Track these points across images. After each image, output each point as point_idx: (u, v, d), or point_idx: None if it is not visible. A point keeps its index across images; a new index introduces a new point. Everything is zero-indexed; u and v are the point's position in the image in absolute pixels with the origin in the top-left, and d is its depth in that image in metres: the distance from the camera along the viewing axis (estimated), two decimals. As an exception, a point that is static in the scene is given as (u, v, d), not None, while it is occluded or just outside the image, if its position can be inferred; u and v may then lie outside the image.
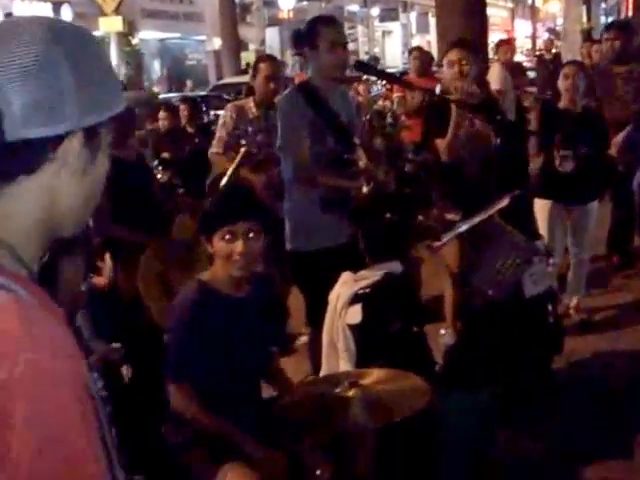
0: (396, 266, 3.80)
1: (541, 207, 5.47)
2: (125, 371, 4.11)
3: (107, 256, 4.22)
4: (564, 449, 4.03)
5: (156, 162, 7.91)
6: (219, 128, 5.52)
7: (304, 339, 5.13)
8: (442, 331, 5.10)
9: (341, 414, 2.39)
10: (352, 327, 3.58)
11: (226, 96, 15.07)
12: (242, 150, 5.14)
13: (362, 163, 4.22)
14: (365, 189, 4.14)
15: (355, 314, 3.56)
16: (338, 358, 3.61)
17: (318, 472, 3.57)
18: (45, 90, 1.13)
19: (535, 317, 4.55)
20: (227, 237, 2.91)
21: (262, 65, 5.50)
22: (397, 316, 3.67)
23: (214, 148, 5.50)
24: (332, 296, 3.68)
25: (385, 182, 4.35)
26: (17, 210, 1.16)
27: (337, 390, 2.47)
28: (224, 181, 4.86)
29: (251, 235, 2.93)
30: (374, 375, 2.70)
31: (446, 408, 3.74)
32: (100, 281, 4.16)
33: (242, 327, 3.03)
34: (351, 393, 2.43)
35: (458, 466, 3.42)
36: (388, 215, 3.88)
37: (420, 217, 4.67)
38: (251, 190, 3.64)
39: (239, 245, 2.91)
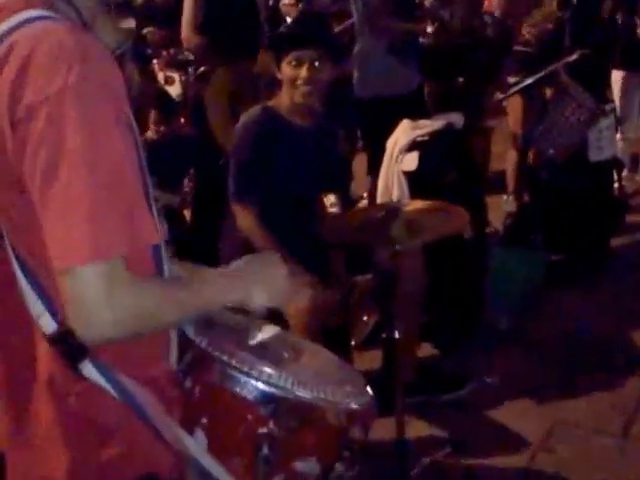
0: (458, 118, 3.78)
1: (618, 78, 5.30)
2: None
3: None
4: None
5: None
6: None
7: (365, 203, 5.17)
8: (505, 197, 5.09)
9: (381, 233, 2.46)
10: (407, 174, 3.60)
11: None
12: None
13: (427, 2, 4.16)
14: (430, 29, 4.09)
15: (411, 161, 3.57)
16: (391, 203, 3.64)
17: (365, 318, 3.69)
18: None
19: (598, 185, 4.47)
20: (293, 63, 2.93)
21: None
22: (453, 168, 3.67)
23: None
24: (390, 142, 3.69)
25: (450, 23, 4.26)
26: None
27: (379, 215, 2.53)
28: None
29: (317, 63, 2.94)
30: (415, 203, 2.76)
31: (500, 262, 3.80)
32: None
33: (301, 155, 3.06)
34: (391, 216, 2.49)
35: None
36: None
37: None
38: (324, 18, 3.62)
39: (303, 71, 2.93)
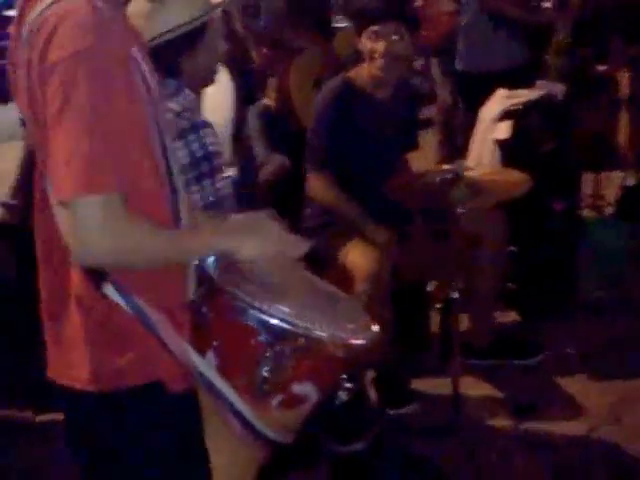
0: (559, 89, 3.78)
1: None
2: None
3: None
4: None
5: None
6: None
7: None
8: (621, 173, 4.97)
9: (445, 194, 2.57)
10: (500, 142, 3.64)
11: None
12: None
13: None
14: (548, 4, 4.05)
15: (503, 129, 3.60)
16: (483, 172, 3.70)
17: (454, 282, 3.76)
18: None
19: None
20: (372, 36, 3.04)
21: None
22: (550, 138, 3.67)
23: None
24: (483, 111, 3.73)
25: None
26: None
27: (442, 176, 2.63)
28: None
29: (395, 37, 3.04)
30: (479, 169, 2.84)
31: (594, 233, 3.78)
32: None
33: (380, 126, 3.19)
34: (452, 180, 2.59)
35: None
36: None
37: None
38: None
39: (381, 45, 3.03)
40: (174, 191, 1.49)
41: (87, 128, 1.30)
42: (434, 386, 3.20)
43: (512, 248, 3.72)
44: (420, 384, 3.26)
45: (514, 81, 4.02)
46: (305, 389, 1.56)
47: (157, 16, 2.30)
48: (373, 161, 3.19)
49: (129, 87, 1.38)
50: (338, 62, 4.27)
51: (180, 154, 2.24)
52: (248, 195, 4.07)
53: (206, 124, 2.29)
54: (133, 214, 1.37)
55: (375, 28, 3.02)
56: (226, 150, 4.34)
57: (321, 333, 1.52)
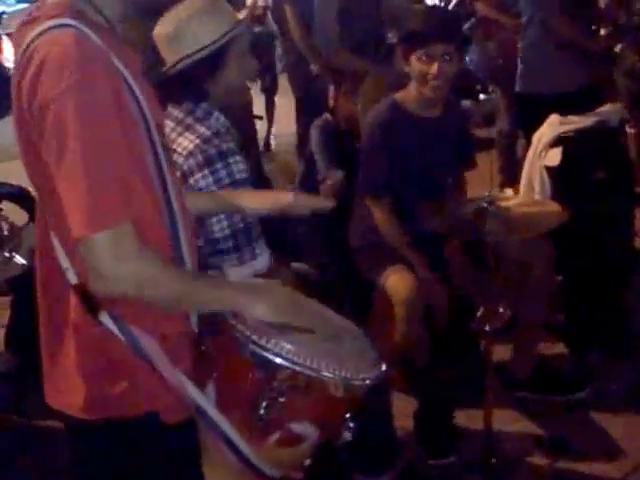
0: (615, 116, 3.66)
1: None
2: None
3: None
4: None
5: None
6: None
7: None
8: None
9: (479, 225, 2.51)
10: (550, 169, 3.55)
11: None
12: None
13: (603, 3, 4.01)
14: (603, 32, 3.95)
15: (554, 156, 3.51)
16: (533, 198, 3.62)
17: (501, 309, 3.68)
18: None
19: None
20: (424, 58, 3.00)
21: None
22: (601, 167, 3.56)
23: None
24: (535, 137, 3.65)
25: (626, 28, 4.10)
26: None
27: (476, 205, 2.57)
28: None
29: (447, 58, 2.99)
30: (514, 199, 2.76)
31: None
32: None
33: (430, 147, 3.15)
34: (486, 210, 2.53)
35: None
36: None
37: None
38: (454, 14, 3.64)
39: (434, 67, 2.99)
40: (172, 220, 1.49)
41: (85, 165, 1.32)
42: (470, 418, 3.13)
43: (560, 277, 3.63)
44: (458, 415, 3.18)
45: (574, 105, 3.93)
46: (304, 428, 1.54)
47: (180, 39, 2.31)
48: (423, 183, 3.15)
49: (120, 116, 1.38)
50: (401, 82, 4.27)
51: (205, 182, 2.24)
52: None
53: (235, 151, 2.27)
54: (145, 244, 1.38)
55: (427, 50, 2.98)
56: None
57: (325, 373, 1.50)
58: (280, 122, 7.10)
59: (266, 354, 1.47)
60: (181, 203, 1.53)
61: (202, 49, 2.29)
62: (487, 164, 5.14)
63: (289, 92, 5.75)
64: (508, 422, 3.11)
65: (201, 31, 2.29)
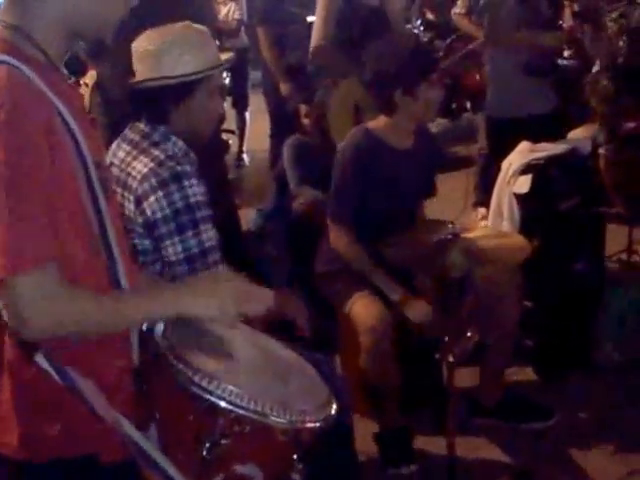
0: (586, 144, 3.69)
1: None
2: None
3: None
4: None
5: (419, 22, 7.94)
6: None
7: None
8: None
9: (440, 257, 2.50)
10: (518, 196, 3.56)
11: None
12: None
13: (566, 25, 4.06)
14: (566, 53, 3.99)
15: (523, 183, 3.53)
16: (501, 224, 3.63)
17: (469, 334, 3.69)
18: None
19: None
20: (434, 84, 3.05)
21: None
22: (573, 194, 3.58)
23: (457, 9, 5.44)
24: (505, 163, 3.67)
25: (590, 49, 4.14)
26: (37, 9, 1.43)
27: (438, 237, 2.57)
28: None
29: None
30: (477, 231, 2.76)
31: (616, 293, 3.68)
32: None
33: (401, 177, 3.15)
34: (451, 241, 2.53)
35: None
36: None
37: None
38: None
39: (441, 91, 3.07)
40: (111, 258, 1.47)
41: (6, 205, 1.30)
42: (435, 445, 3.12)
43: (528, 303, 3.63)
44: (422, 442, 3.18)
45: (544, 128, 3.95)
46: (249, 470, 1.53)
47: (159, 58, 2.31)
48: (393, 211, 3.16)
49: (50, 156, 1.36)
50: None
51: (158, 205, 2.23)
52: (279, 229, 4.06)
53: (191, 174, 2.26)
54: (70, 283, 1.36)
55: (432, 75, 3.03)
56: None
57: (270, 417, 1.48)
58: (256, 138, 7.07)
59: (209, 397, 1.46)
60: (120, 238, 1.51)
61: (174, 77, 2.29)
62: (462, 182, 5.17)
63: (264, 108, 5.78)
64: (471, 449, 3.09)
65: (180, 59, 2.29)
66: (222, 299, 1.48)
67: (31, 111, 1.35)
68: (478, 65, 5.32)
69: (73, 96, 1.50)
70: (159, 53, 2.30)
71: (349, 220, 3.15)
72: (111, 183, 1.58)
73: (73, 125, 1.41)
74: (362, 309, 3.03)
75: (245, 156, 7.25)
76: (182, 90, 2.31)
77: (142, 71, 2.34)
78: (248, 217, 4.44)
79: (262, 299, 1.58)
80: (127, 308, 1.43)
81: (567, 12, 4.20)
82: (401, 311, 2.99)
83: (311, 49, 4.30)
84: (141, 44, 2.36)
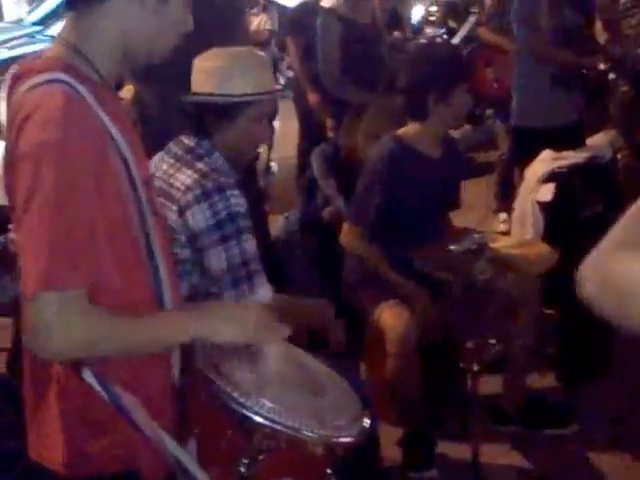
0: (608, 150, 3.70)
1: None
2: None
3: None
4: None
5: (442, 30, 7.91)
6: None
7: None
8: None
9: (466, 268, 2.54)
10: (542, 204, 3.58)
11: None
12: None
13: (602, 39, 4.05)
14: (602, 66, 3.99)
15: (547, 192, 3.55)
16: (525, 233, 3.65)
17: (492, 341, 3.71)
18: None
19: None
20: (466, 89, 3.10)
21: None
22: (595, 202, 3.60)
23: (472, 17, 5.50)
24: (528, 172, 3.69)
25: (624, 61, 4.13)
26: (96, 30, 1.48)
27: (465, 248, 2.60)
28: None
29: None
30: (503, 241, 2.79)
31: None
32: None
33: (427, 183, 3.19)
34: (478, 251, 2.56)
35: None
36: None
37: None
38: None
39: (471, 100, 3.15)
40: (156, 275, 1.51)
41: (50, 223, 1.33)
42: (457, 451, 3.15)
43: (551, 311, 3.65)
44: (445, 448, 3.21)
45: (568, 138, 3.96)
46: (285, 484, 1.57)
47: (213, 75, 2.37)
48: (420, 219, 3.19)
49: (100, 179, 1.39)
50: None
51: (202, 216, 2.27)
52: (309, 235, 4.11)
53: (233, 186, 2.31)
54: (93, 307, 1.39)
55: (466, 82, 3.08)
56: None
57: (304, 432, 1.52)
58: (284, 145, 7.12)
59: (246, 412, 1.50)
60: (167, 257, 1.55)
61: (221, 95, 2.34)
62: (482, 188, 5.20)
63: (294, 116, 5.81)
64: (495, 456, 3.13)
65: (234, 80, 2.34)
66: (242, 327, 1.53)
67: (84, 132, 1.38)
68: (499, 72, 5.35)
69: (123, 116, 1.55)
70: (214, 70, 2.37)
71: (367, 224, 3.17)
72: (156, 200, 1.62)
73: (124, 146, 1.45)
74: (391, 318, 3.07)
75: (273, 163, 7.30)
76: (226, 110, 2.36)
77: (197, 83, 2.40)
78: (277, 224, 4.48)
79: (279, 332, 1.62)
80: (150, 329, 1.47)
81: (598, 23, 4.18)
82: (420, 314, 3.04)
83: (326, 82, 4.38)
84: (203, 62, 2.42)
